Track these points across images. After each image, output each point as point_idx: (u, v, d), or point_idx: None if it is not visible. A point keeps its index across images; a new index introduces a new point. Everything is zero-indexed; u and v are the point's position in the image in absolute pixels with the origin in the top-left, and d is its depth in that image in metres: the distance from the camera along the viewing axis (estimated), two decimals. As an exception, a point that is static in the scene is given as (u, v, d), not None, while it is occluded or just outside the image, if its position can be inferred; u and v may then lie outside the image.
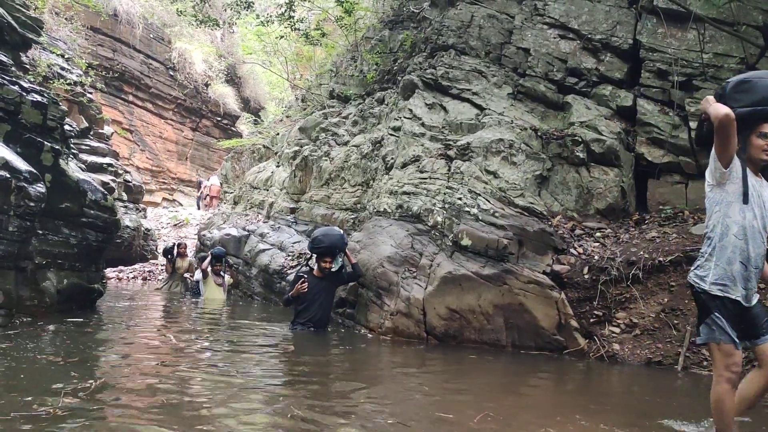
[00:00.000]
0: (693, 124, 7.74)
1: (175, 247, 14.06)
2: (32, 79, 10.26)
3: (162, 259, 18.96)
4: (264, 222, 13.64)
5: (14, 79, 7.54)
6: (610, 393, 5.13)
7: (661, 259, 6.53)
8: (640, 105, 8.27)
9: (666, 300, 6.39)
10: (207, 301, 11.46)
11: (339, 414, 3.72)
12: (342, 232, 8.10)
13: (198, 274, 12.46)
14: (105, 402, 3.70)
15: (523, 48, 9.47)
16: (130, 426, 3.21)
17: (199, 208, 26.96)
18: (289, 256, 11.36)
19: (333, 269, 7.76)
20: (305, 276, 7.71)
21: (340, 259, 7.81)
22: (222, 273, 12.05)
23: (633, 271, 6.57)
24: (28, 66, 12.47)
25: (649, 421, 3.96)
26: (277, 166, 14.99)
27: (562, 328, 6.53)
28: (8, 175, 6.22)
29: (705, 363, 5.78)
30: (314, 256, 7.90)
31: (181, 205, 28.69)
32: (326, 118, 13.85)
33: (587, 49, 8.95)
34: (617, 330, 6.53)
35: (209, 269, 11.86)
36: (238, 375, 4.79)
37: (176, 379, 4.49)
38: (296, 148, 13.82)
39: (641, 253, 6.73)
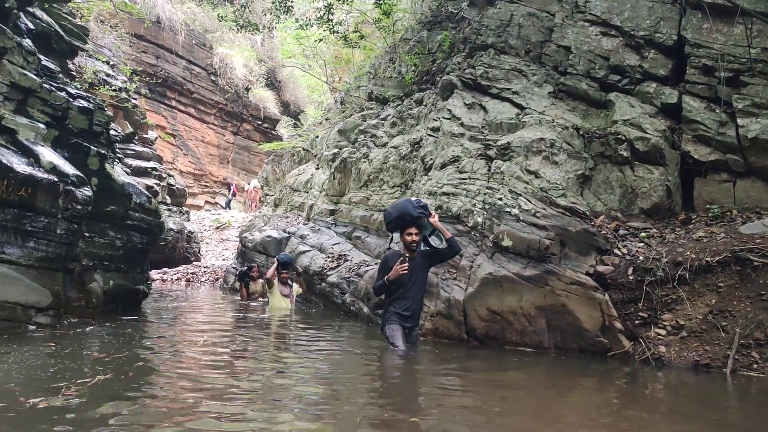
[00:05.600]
0: (741, 121, 7.54)
1: (250, 273, 12.74)
2: (79, 86, 10.54)
3: (207, 261, 19.28)
4: (304, 224, 13.76)
5: (61, 86, 7.76)
6: (658, 398, 5.01)
7: (708, 259, 6.36)
8: (685, 102, 8.08)
9: (714, 301, 6.22)
10: (272, 310, 10.38)
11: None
12: (413, 198, 6.79)
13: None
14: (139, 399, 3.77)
15: (564, 46, 9.34)
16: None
17: (228, 209, 27.68)
18: (328, 257, 11.42)
19: (435, 243, 6.46)
20: (405, 255, 6.29)
21: (426, 233, 6.47)
22: (289, 282, 10.88)
23: (679, 272, 6.41)
24: (74, 73, 12.82)
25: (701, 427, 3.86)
26: (317, 169, 15.10)
27: (605, 330, 6.41)
28: (56, 179, 6.39)
29: (755, 366, 5.61)
30: (395, 236, 6.82)
31: (223, 207, 29.17)
32: (365, 120, 13.90)
33: (630, 46, 8.78)
34: (663, 332, 6.37)
35: (275, 278, 10.62)
36: (268, 388, 4.82)
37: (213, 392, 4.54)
38: (335, 150, 13.90)
39: (688, 253, 6.57)
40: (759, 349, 5.71)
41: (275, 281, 10.60)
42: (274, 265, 10.68)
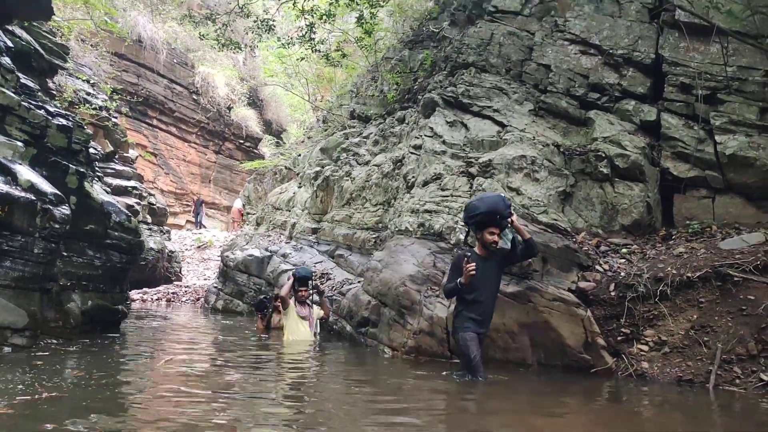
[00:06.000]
0: (719, 138, 7.64)
1: (271, 301, 10.08)
2: (58, 104, 10.44)
3: (188, 281, 19.09)
4: (286, 242, 13.68)
5: (40, 104, 7.69)
6: (642, 415, 5.00)
7: (689, 275, 6.39)
8: (664, 119, 8.17)
9: (695, 317, 6.24)
10: (287, 345, 8.21)
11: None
12: (502, 194, 6.32)
13: None
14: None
15: (544, 64, 9.43)
16: None
17: (200, 227, 27.73)
18: (311, 276, 11.34)
19: (501, 244, 6.02)
20: (468, 255, 5.81)
21: (510, 233, 6.06)
22: (309, 302, 8.92)
23: (661, 288, 6.43)
24: (54, 92, 12.72)
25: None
26: (299, 187, 15.07)
27: (588, 347, 6.40)
28: (34, 198, 6.29)
29: (737, 381, 5.62)
30: (470, 230, 6.25)
31: (204, 227, 28.96)
32: (347, 139, 13.92)
33: (609, 65, 8.89)
34: (645, 348, 6.38)
35: (291, 297, 8.75)
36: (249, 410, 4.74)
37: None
38: (318, 168, 13.89)
39: (669, 269, 6.60)
40: (741, 365, 5.73)
41: (291, 300, 8.73)
42: (290, 281, 8.78)
